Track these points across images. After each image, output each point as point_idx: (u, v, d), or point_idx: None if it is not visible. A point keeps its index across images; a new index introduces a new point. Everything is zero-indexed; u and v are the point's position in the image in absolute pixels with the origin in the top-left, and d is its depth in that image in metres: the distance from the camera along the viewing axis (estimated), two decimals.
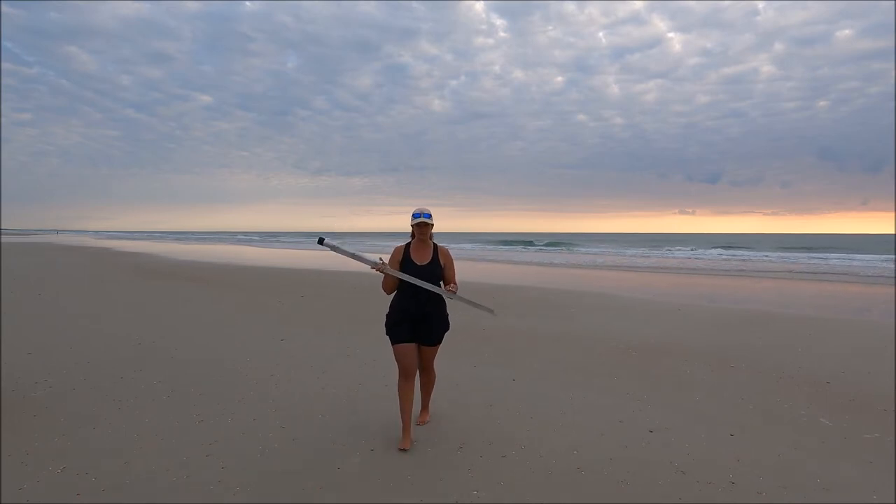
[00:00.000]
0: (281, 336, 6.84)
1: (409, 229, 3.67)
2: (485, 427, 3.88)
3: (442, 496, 2.91)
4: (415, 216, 3.57)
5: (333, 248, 3.44)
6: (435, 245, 3.68)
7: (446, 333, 3.75)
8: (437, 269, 3.60)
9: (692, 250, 37.06)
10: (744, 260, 27.53)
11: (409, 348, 3.60)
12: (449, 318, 3.74)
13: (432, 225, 3.62)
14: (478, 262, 24.85)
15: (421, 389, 3.94)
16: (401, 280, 3.54)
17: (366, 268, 3.49)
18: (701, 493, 2.97)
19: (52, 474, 3.08)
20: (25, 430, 3.68)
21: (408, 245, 3.67)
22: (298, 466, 3.23)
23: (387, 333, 3.64)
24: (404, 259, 3.60)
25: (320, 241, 3.45)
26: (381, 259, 3.43)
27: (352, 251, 3.53)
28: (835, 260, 26.47)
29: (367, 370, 5.28)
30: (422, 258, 3.59)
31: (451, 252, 3.76)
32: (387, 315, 3.67)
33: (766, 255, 31.06)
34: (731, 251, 36.34)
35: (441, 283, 3.65)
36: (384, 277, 3.54)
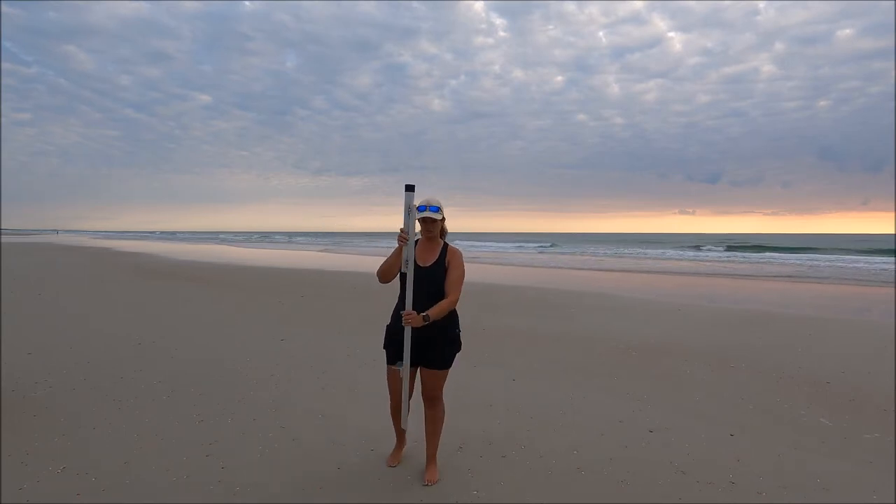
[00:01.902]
0: (281, 336, 6.84)
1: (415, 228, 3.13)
2: (485, 427, 3.88)
3: (442, 496, 2.91)
4: (420, 209, 2.95)
5: (408, 206, 2.88)
6: (445, 244, 3.10)
7: (456, 354, 3.10)
8: (439, 272, 3.00)
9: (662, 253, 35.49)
10: (712, 262, 26.98)
11: (400, 374, 3.06)
12: (460, 336, 3.11)
13: (442, 219, 3.03)
14: (477, 263, 24.84)
15: (425, 430, 3.18)
16: (401, 282, 3.00)
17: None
18: (701, 493, 2.97)
19: (52, 474, 3.08)
20: (25, 430, 3.68)
21: (415, 242, 3.09)
22: (298, 466, 3.23)
23: (384, 347, 3.13)
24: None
25: (409, 189, 2.89)
26: (409, 235, 2.89)
27: (409, 211, 2.91)
28: (826, 261, 26.30)
29: (367, 370, 5.28)
30: (426, 259, 3.02)
31: (462, 255, 3.10)
32: (386, 326, 3.14)
33: (737, 255, 30.80)
34: (709, 252, 35.83)
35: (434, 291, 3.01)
36: (388, 260, 2.97)
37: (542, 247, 45.03)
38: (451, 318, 3.05)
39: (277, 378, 5.01)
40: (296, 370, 5.29)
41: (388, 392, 3.17)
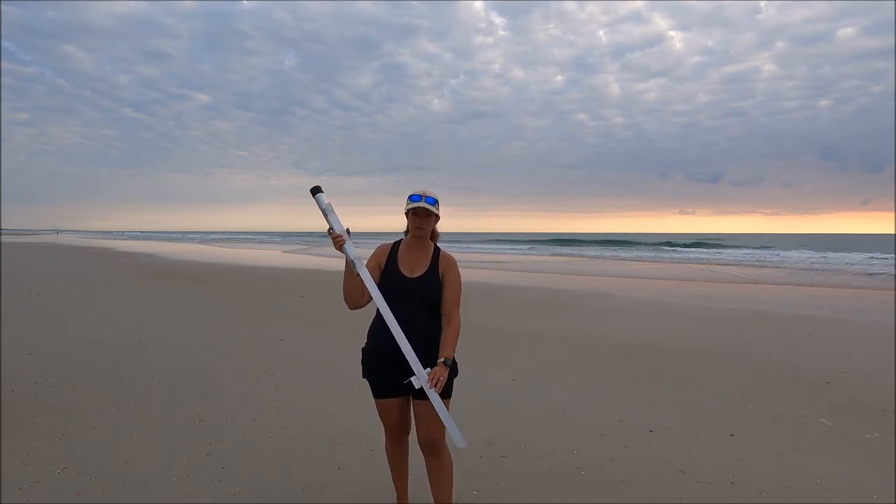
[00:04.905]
0: (281, 336, 6.84)
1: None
2: (485, 427, 3.88)
3: None
4: (412, 199, 2.36)
5: (323, 207, 2.37)
6: (437, 249, 2.50)
7: (455, 380, 2.46)
8: (432, 285, 2.41)
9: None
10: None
11: (393, 405, 2.48)
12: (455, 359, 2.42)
13: (436, 217, 2.42)
14: (476, 264, 24.86)
15: (430, 487, 2.51)
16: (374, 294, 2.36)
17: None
18: (701, 493, 2.97)
19: (52, 474, 3.08)
20: (25, 430, 3.68)
21: (396, 245, 2.51)
22: (298, 466, 3.23)
23: (363, 376, 2.52)
24: (388, 266, 2.43)
25: (317, 190, 2.41)
26: (348, 231, 2.33)
27: (327, 210, 2.38)
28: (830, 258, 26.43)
29: None
30: (413, 267, 2.42)
31: (457, 262, 2.53)
32: (362, 349, 2.52)
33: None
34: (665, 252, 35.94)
35: (425, 310, 2.41)
36: (344, 275, 2.38)
37: (533, 247, 45.13)
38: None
39: (277, 378, 5.01)
40: (296, 370, 5.29)
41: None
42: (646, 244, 48.58)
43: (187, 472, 3.13)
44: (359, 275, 2.35)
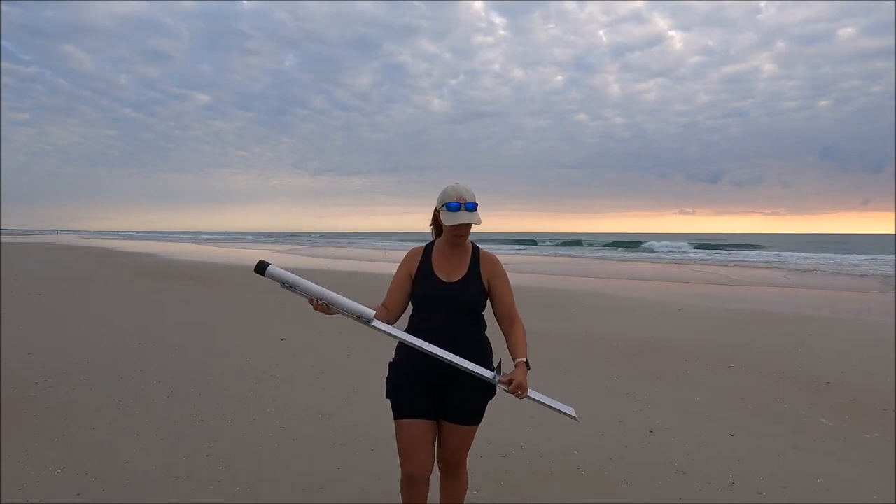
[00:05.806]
0: (281, 336, 6.84)
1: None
2: (485, 427, 3.86)
3: None
4: (450, 207, 2.06)
5: (280, 279, 2.06)
6: (475, 248, 2.23)
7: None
8: (473, 289, 2.15)
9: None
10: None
11: (418, 429, 2.15)
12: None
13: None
14: None
15: (440, 500, 2.38)
16: (414, 302, 2.22)
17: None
18: (701, 493, 2.97)
19: (52, 474, 3.08)
20: (25, 430, 3.68)
21: (429, 248, 2.25)
22: (298, 466, 3.23)
23: (386, 396, 2.28)
24: (421, 271, 2.19)
25: (263, 266, 2.04)
26: (320, 296, 2.06)
27: (291, 282, 2.05)
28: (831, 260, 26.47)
29: (368, 370, 5.28)
30: (451, 271, 2.17)
31: (500, 261, 2.27)
32: (389, 364, 2.29)
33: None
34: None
35: (473, 319, 2.19)
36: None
37: (526, 248, 45.05)
38: (486, 348, 2.22)
39: (277, 378, 5.01)
40: (296, 370, 5.29)
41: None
42: (635, 244, 48.73)
43: (187, 472, 3.13)
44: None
